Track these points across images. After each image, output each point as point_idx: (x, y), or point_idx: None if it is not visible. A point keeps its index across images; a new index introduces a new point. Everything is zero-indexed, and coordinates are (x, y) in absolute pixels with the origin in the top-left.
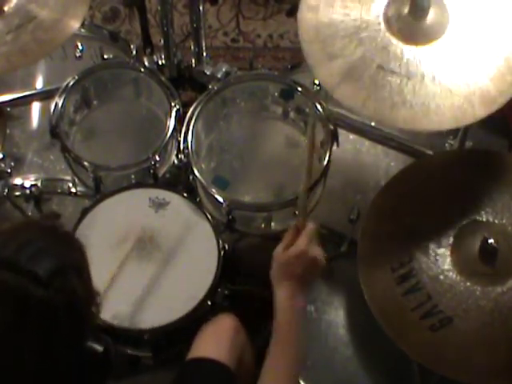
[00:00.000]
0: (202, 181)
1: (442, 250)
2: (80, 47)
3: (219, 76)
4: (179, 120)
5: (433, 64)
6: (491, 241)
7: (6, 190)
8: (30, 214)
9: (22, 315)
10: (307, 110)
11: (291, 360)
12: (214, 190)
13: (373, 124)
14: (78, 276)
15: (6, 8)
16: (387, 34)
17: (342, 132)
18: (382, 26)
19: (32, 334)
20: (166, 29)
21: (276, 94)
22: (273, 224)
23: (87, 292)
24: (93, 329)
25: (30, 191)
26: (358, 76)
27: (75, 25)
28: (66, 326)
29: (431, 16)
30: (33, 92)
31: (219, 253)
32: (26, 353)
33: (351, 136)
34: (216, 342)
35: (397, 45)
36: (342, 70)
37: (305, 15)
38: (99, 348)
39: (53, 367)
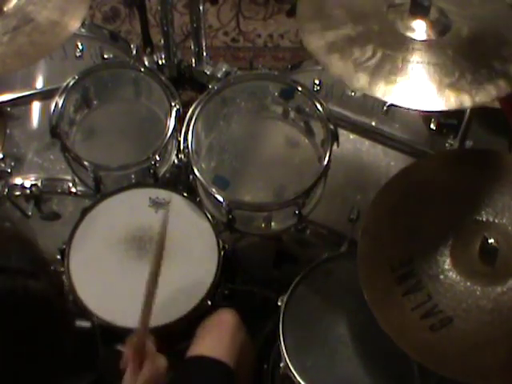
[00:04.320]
0: (202, 181)
1: (442, 250)
2: (80, 47)
3: (219, 76)
4: (179, 120)
5: (452, 44)
6: (491, 241)
7: (6, 190)
8: (30, 213)
9: (23, 311)
10: (307, 110)
11: None
12: (214, 190)
13: (373, 124)
14: (39, 274)
15: (5, 9)
16: (400, 31)
17: (342, 132)
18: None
19: (32, 323)
20: (166, 28)
21: (276, 93)
22: (273, 224)
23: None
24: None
25: (30, 191)
26: (388, 73)
27: (72, 28)
28: (59, 310)
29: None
30: (33, 92)
31: (219, 253)
32: (27, 339)
33: (351, 136)
34: (216, 339)
35: (411, 37)
36: (370, 71)
37: (311, 40)
38: (87, 324)
39: (49, 349)
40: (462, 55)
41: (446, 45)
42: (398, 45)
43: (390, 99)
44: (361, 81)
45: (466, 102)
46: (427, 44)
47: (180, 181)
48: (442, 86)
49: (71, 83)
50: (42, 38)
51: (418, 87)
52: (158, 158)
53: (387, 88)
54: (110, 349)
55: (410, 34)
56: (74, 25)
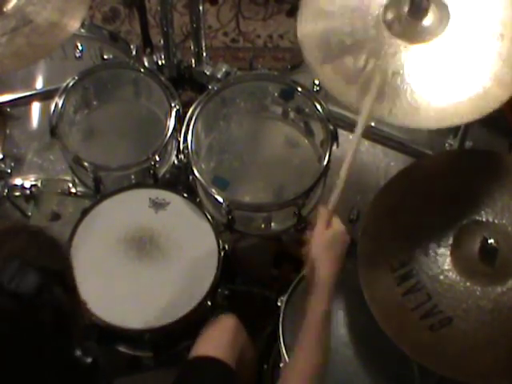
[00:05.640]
0: (202, 181)
1: (441, 250)
2: (80, 47)
3: (219, 76)
4: (179, 120)
5: (444, 59)
6: (491, 241)
7: (6, 190)
8: (29, 214)
9: (9, 336)
10: (307, 110)
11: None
12: (213, 190)
13: (373, 124)
14: (62, 286)
15: (4, 9)
16: (393, 40)
17: (341, 132)
18: (386, 33)
19: (19, 351)
20: (165, 29)
21: (276, 94)
22: (273, 224)
23: (72, 302)
24: (80, 340)
25: (30, 191)
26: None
27: (70, 30)
28: (53, 339)
29: (432, 12)
30: (33, 92)
31: (219, 253)
32: (14, 370)
33: (351, 136)
34: (217, 341)
35: (405, 47)
36: (359, 84)
37: (306, 40)
38: (88, 359)
39: (41, 380)
40: (454, 68)
41: (439, 54)
42: (391, 54)
43: (376, 116)
44: (349, 96)
45: (454, 119)
46: (420, 52)
47: (180, 181)
48: (429, 103)
49: (71, 83)
50: (39, 40)
51: (404, 104)
52: (157, 159)
53: (374, 105)
54: (109, 349)
55: (405, 41)
56: (73, 26)
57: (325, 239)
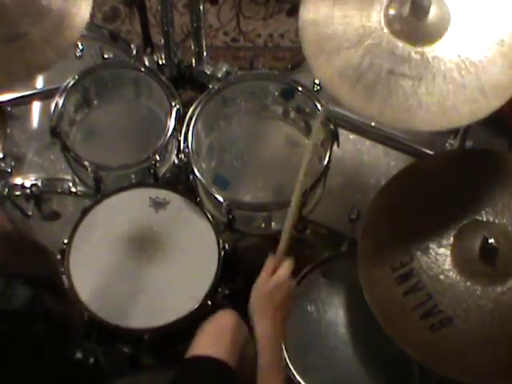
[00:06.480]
0: (203, 180)
1: (442, 250)
2: (80, 47)
3: (219, 76)
4: (179, 120)
5: (441, 62)
6: (491, 241)
7: (7, 190)
8: (30, 213)
9: (6, 353)
10: (308, 110)
11: None
12: (214, 190)
13: (373, 124)
14: (53, 293)
15: None
16: (392, 38)
17: (342, 132)
18: (386, 31)
19: (16, 363)
20: (166, 28)
21: (276, 93)
22: (273, 224)
23: (65, 307)
24: (79, 342)
25: (31, 191)
26: (370, 84)
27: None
28: (49, 348)
29: (433, 14)
30: (33, 92)
31: (219, 253)
32: (14, 378)
33: (351, 136)
34: (216, 339)
35: (403, 47)
36: (352, 80)
37: (306, 30)
38: (90, 360)
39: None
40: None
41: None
42: (389, 52)
43: (364, 116)
44: (341, 90)
45: (437, 125)
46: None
47: (180, 181)
48: (418, 106)
49: (71, 83)
50: (33, 55)
51: (394, 104)
52: (158, 158)
53: (364, 103)
54: (109, 349)
55: (403, 43)
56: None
57: (265, 289)
